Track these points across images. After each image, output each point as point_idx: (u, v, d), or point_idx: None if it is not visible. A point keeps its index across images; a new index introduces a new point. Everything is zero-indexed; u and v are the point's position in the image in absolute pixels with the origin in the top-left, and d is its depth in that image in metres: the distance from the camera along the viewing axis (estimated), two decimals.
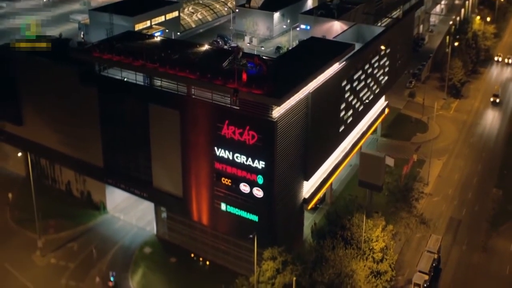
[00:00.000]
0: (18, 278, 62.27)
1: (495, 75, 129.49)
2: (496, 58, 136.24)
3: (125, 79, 64.25)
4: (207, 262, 64.95)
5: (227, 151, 58.01)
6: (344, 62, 68.67)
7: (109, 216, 72.55)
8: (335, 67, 66.78)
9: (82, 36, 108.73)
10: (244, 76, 55.23)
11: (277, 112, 55.35)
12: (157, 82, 62.17)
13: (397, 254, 64.10)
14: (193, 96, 59.68)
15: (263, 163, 56.40)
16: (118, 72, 64.97)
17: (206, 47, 68.52)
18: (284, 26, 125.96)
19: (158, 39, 72.51)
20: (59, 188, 77.10)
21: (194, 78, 57.95)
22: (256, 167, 56.83)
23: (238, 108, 56.33)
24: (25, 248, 66.27)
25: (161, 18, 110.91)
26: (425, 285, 60.55)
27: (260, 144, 55.86)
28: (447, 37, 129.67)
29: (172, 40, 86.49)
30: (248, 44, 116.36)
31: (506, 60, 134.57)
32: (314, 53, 68.11)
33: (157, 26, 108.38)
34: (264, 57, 63.53)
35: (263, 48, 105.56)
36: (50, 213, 69.73)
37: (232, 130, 56.79)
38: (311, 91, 60.72)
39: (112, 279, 61.43)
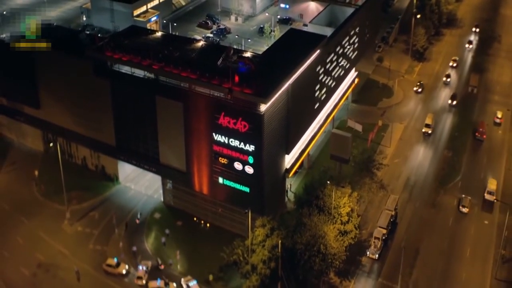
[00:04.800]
0: (52, 245, 73.10)
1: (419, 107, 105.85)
2: (415, 89, 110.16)
3: (134, 73, 74.49)
4: (208, 225, 76.89)
5: (223, 136, 69.59)
6: (318, 51, 79.64)
7: (122, 186, 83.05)
8: (311, 58, 77.77)
9: (84, 19, 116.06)
10: (236, 78, 66.49)
11: (264, 106, 66.95)
12: (163, 78, 72.43)
13: (360, 216, 76.08)
14: (194, 91, 70.42)
15: (253, 147, 68.40)
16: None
17: (201, 43, 78.79)
18: (267, 14, 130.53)
19: (159, 34, 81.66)
20: (76, 162, 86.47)
21: (195, 78, 68.79)
22: (247, 150, 68.83)
23: (232, 102, 67.58)
24: (54, 218, 76.59)
25: (156, 1, 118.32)
26: (383, 237, 73.51)
27: (251, 132, 67.73)
28: None
29: (172, 36, 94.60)
30: (235, 28, 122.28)
31: (444, 79, 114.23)
32: (293, 48, 78.05)
33: (152, 10, 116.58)
34: (251, 57, 73.87)
35: (250, 40, 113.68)
36: (71, 186, 79.02)
37: (227, 120, 68.25)
38: (290, 83, 72.15)
39: (139, 216, 76.37)
